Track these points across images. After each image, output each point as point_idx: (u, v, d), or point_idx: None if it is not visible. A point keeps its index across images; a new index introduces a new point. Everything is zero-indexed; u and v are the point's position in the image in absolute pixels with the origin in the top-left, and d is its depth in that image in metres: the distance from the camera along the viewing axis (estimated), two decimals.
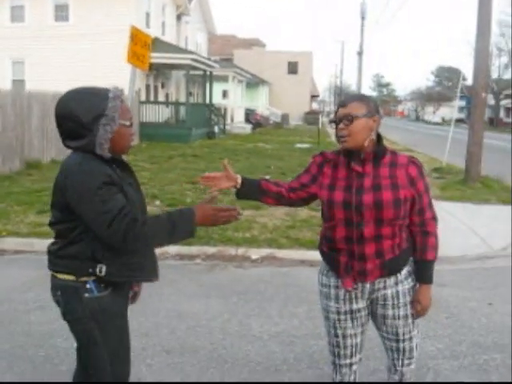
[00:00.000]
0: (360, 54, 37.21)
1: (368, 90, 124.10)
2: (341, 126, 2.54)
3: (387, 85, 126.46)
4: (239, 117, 35.53)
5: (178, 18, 28.35)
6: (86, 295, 2.38)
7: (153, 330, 4.60)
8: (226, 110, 30.92)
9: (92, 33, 20.75)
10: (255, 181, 2.78)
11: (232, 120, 32.82)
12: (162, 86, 27.04)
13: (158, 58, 22.06)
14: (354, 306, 2.71)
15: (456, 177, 13.65)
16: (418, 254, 2.70)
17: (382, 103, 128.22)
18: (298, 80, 52.28)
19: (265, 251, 6.99)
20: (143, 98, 23.15)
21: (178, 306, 5.19)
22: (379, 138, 2.63)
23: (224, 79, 32.31)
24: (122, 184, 2.35)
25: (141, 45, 7.72)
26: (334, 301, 2.72)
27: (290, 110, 48.13)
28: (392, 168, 2.59)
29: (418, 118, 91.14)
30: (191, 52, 25.06)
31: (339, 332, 2.75)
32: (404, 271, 2.69)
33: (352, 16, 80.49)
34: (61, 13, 22.01)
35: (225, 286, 5.83)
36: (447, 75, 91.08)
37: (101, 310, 2.41)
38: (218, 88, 32.95)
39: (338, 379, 2.86)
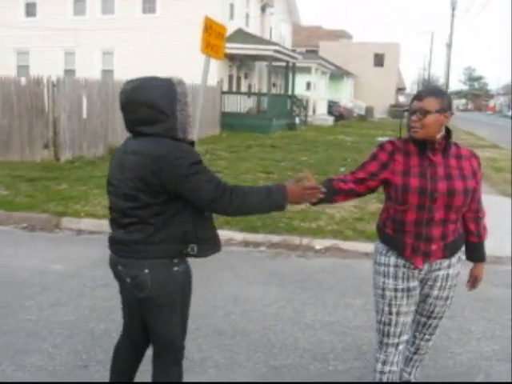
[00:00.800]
0: (449, 45, 35.99)
1: (458, 83, 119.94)
2: (414, 117, 2.73)
3: (479, 78, 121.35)
4: (322, 109, 35.35)
5: (263, 9, 28.52)
6: (175, 269, 2.59)
7: (209, 312, 4.74)
8: (308, 101, 30.87)
9: (177, 24, 21.26)
10: (329, 184, 2.88)
11: (314, 112, 32.73)
12: (245, 77, 27.35)
13: (241, 48, 22.36)
14: (411, 284, 2.88)
15: None
16: (473, 237, 3.00)
17: (472, 97, 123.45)
18: (383, 72, 51.32)
19: (329, 242, 6.99)
20: (225, 88, 23.52)
21: (236, 290, 5.31)
22: (449, 132, 2.83)
23: (307, 71, 32.22)
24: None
25: (215, 35, 7.88)
26: (393, 278, 2.88)
27: (374, 103, 47.35)
28: (458, 159, 2.82)
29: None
30: (274, 43, 25.17)
31: (394, 309, 2.89)
32: (456, 256, 2.93)
33: (442, 6, 77.78)
34: (148, 5, 22.73)
35: (285, 274, 5.90)
36: None
37: (186, 282, 2.68)
38: (301, 79, 32.90)
39: (381, 359, 2.98)
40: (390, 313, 2.90)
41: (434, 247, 2.80)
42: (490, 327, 4.61)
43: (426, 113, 2.69)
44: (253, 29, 26.37)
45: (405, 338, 2.96)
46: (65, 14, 23.41)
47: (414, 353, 3.19)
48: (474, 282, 3.14)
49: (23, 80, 12.36)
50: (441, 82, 73.46)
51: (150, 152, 2.44)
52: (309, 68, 31.99)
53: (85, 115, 12.75)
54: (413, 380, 3.32)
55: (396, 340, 2.93)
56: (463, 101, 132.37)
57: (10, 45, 23.97)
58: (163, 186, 2.44)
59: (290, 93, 27.32)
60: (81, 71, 21.69)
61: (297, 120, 26.51)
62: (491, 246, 6.95)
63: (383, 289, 2.91)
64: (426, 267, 2.85)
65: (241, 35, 23.34)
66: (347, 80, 45.98)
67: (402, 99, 71.19)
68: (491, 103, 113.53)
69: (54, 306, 4.74)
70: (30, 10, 24.15)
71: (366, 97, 49.14)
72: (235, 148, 16.43)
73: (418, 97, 2.74)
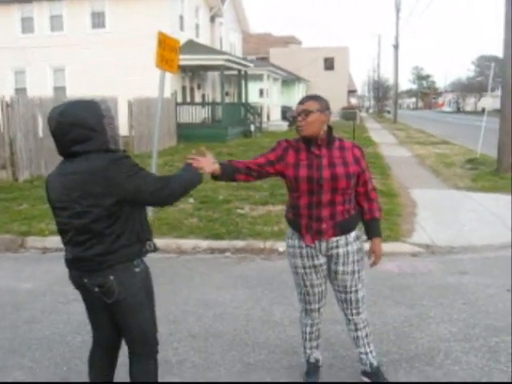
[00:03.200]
0: (396, 46, 36.92)
1: (407, 82, 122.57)
2: (299, 118, 3.24)
3: (427, 77, 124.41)
4: (276, 114, 35.78)
5: (212, 19, 28.76)
6: (137, 270, 2.80)
7: (181, 317, 4.91)
8: (262, 108, 31.20)
9: (128, 38, 21.29)
10: (228, 163, 3.32)
11: (268, 118, 33.09)
12: (198, 87, 27.50)
13: (192, 59, 22.52)
14: (316, 262, 3.40)
15: (489, 168, 13.60)
16: (367, 215, 3.46)
17: (422, 96, 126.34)
18: (334, 76, 52.20)
19: None
20: (180, 99, 23.63)
21: (206, 295, 5.49)
22: (330, 129, 3.35)
23: (259, 78, 32.58)
24: None
25: (169, 49, 8.05)
26: (300, 258, 3.42)
27: None
28: (341, 151, 3.34)
29: (459, 110, 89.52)
30: (224, 53, 25.41)
31: (307, 283, 3.47)
32: (353, 234, 3.39)
33: (387, 8, 79.66)
34: (97, 19, 22.68)
35: (252, 277, 6.11)
36: (488, 64, 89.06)
37: (147, 278, 2.88)
38: (254, 87, 33.24)
39: (309, 323, 3.63)
40: (305, 286, 3.48)
41: (324, 226, 3.29)
42: (447, 312, 4.92)
43: (308, 113, 3.22)
44: (203, 39, 26.59)
45: (323, 302, 3.57)
46: (13, 32, 23.14)
47: (355, 329, 3.56)
48: (374, 257, 3.50)
49: None
50: (390, 82, 75.03)
51: (91, 167, 2.63)
52: (261, 75, 32.35)
53: (41, 134, 12.70)
54: (374, 362, 3.61)
55: (317, 305, 3.56)
56: (413, 99, 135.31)
57: None
58: (113, 193, 2.63)
59: (243, 100, 27.59)
60: (32, 89, 21.52)
61: (252, 127, 26.78)
62: (447, 238, 7.38)
63: (295, 267, 3.47)
64: (323, 245, 3.34)
65: (192, 46, 23.51)
66: (299, 85, 46.60)
67: (353, 101, 72.38)
68: (440, 100, 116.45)
69: (28, 324, 4.82)
70: None
71: None
72: None
73: (301, 102, 3.28)
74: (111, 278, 2.72)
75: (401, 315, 4.88)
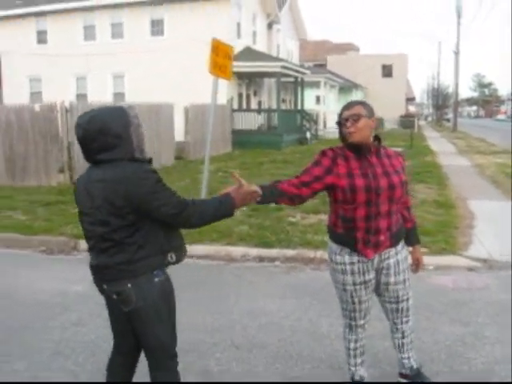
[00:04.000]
0: (456, 53, 36.02)
1: (467, 90, 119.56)
2: (348, 124, 3.08)
3: (489, 84, 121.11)
4: (332, 122, 35.40)
5: (269, 26, 28.83)
6: (156, 280, 2.74)
7: (225, 326, 4.84)
8: (318, 115, 31.05)
9: (185, 45, 21.57)
10: (271, 188, 3.14)
11: (325, 125, 32.84)
12: (255, 94, 27.58)
13: (249, 66, 22.63)
14: (367, 277, 3.27)
15: None
16: (408, 223, 3.40)
17: (483, 104, 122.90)
18: (392, 83, 51.45)
19: None
20: (236, 106, 23.75)
21: (252, 304, 5.40)
22: (378, 137, 3.25)
23: (316, 85, 32.44)
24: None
25: (223, 56, 8.05)
26: (350, 275, 3.27)
27: (384, 114, 47.33)
28: (389, 159, 3.23)
29: None
30: (281, 59, 25.42)
31: (356, 300, 3.33)
32: (401, 243, 3.33)
33: (448, 14, 77.95)
34: (156, 27, 23.09)
35: (300, 286, 5.99)
36: None
37: (167, 290, 2.82)
38: (310, 94, 33.13)
39: (353, 338, 3.49)
40: (353, 302, 3.35)
41: (382, 238, 3.18)
42: (504, 332, 4.66)
43: (358, 117, 3.07)
44: (260, 46, 26.67)
45: (367, 318, 3.45)
46: (75, 39, 23.86)
47: (402, 337, 3.52)
48: (417, 264, 3.50)
49: (37, 107, 12.64)
50: (450, 89, 73.36)
51: (114, 177, 2.60)
52: (317, 82, 32.19)
53: None
54: (415, 365, 3.57)
55: (362, 321, 3.44)
56: (474, 108, 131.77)
57: (22, 72, 24.49)
58: (132, 207, 2.60)
59: (299, 107, 27.51)
60: (93, 95, 22.08)
61: (308, 134, 26.65)
62: (506, 252, 7.03)
63: (343, 284, 3.32)
64: (376, 257, 3.22)
65: (248, 53, 23.62)
66: (356, 92, 46.12)
67: (411, 109, 71.13)
68: (502, 108, 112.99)
69: (75, 326, 4.87)
70: (42, 38, 24.65)
71: (376, 108, 48.22)
72: (247, 165, 16.57)
73: (347, 107, 3.15)
74: (129, 285, 2.69)
75: (454, 333, 4.65)
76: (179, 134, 18.07)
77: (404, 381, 3.60)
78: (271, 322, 4.93)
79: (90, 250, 2.82)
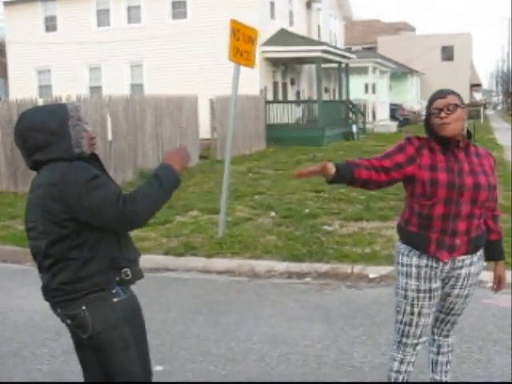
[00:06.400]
0: None
1: None
2: (443, 114, 3.10)
3: None
4: (383, 113, 35.12)
5: (308, 5, 28.70)
6: (115, 300, 2.68)
7: (241, 355, 4.73)
8: (366, 106, 30.77)
9: (212, 29, 21.53)
10: (347, 169, 3.13)
11: (374, 117, 32.55)
12: (292, 83, 27.47)
13: (284, 51, 22.61)
14: (433, 285, 3.25)
15: None
16: (493, 235, 3.38)
17: None
18: (454, 67, 50.70)
19: (386, 269, 6.86)
20: (270, 97, 23.67)
21: (275, 329, 5.29)
22: (469, 132, 3.27)
23: (364, 71, 32.17)
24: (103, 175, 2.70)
25: (244, 40, 7.96)
26: (415, 279, 3.24)
27: None
28: (478, 157, 3.24)
29: None
30: (322, 43, 25.28)
31: (415, 310, 3.27)
32: (478, 253, 3.31)
33: None
34: (178, 9, 23.20)
35: (332, 308, 5.85)
36: None
37: (131, 310, 2.76)
38: (357, 81, 32.84)
39: (399, 358, 3.38)
40: (412, 313, 3.28)
41: (458, 241, 3.18)
42: None
43: (455, 107, 3.12)
44: (298, 28, 26.55)
45: (423, 339, 3.36)
46: (88, 25, 24.18)
47: (437, 353, 3.53)
48: (499, 283, 3.46)
49: (41, 102, 12.78)
50: None
51: (48, 180, 2.61)
52: (365, 68, 31.91)
53: (110, 137, 13.06)
54: None
55: (415, 341, 3.34)
56: None
57: (29, 63, 24.90)
58: (69, 213, 2.57)
59: (344, 98, 27.32)
60: (108, 87, 22.31)
61: (354, 128, 26.41)
62: None
63: (405, 289, 3.28)
64: (449, 264, 3.22)
65: (284, 36, 23.55)
66: (412, 79, 45.58)
67: (477, 97, 69.93)
68: None
69: (66, 354, 4.82)
70: (50, 24, 25.07)
71: None
72: (282, 164, 16.49)
73: (440, 96, 3.17)
74: (83, 308, 2.64)
75: None
76: (205, 131, 18.08)
77: None
78: (294, 351, 4.79)
79: (38, 270, 2.78)
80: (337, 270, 6.96)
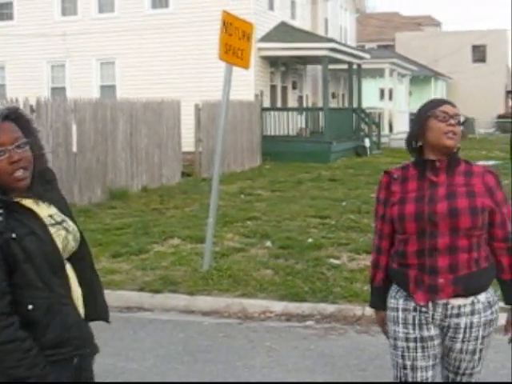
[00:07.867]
0: None
1: None
2: (453, 121, 3.18)
3: None
4: (402, 125, 35.24)
5: None
6: None
7: None
8: (381, 115, 30.94)
9: (199, 22, 21.66)
10: (381, 290, 3.42)
11: (391, 129, 32.68)
12: (294, 87, 27.63)
13: (285, 49, 22.76)
14: (425, 333, 3.21)
15: None
16: (505, 274, 3.29)
17: None
18: (487, 70, 51.06)
19: None
20: (267, 103, 23.82)
21: None
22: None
23: (380, 73, 32.37)
24: (9, 238, 2.39)
25: (238, 36, 8.07)
26: (402, 325, 3.25)
27: (475, 113, 46.94)
28: (467, 177, 3.25)
29: None
30: (330, 39, 25.45)
31: (408, 363, 3.23)
32: (483, 298, 3.22)
33: None
34: None
35: (339, 357, 5.91)
36: None
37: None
38: (371, 86, 33.13)
39: None
40: (405, 367, 3.25)
41: (440, 281, 3.15)
42: None
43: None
44: (301, 21, 26.84)
45: None
46: (50, 14, 24.30)
47: None
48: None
49: None
50: None
51: None
52: (381, 70, 32.10)
53: (75, 148, 13.12)
54: None
55: None
56: None
57: None
58: None
59: (355, 105, 27.44)
60: (73, 89, 22.46)
61: (366, 142, 26.52)
62: None
63: (395, 338, 3.29)
64: (439, 309, 3.19)
65: (285, 31, 23.71)
66: (436, 83, 45.89)
67: None
68: None
69: None
70: (6, 13, 25.20)
71: (464, 105, 48.42)
72: (280, 184, 16.59)
73: (447, 102, 3.28)
74: None
75: None
76: (188, 143, 18.16)
77: None
78: None
79: None
80: (344, 312, 7.02)
